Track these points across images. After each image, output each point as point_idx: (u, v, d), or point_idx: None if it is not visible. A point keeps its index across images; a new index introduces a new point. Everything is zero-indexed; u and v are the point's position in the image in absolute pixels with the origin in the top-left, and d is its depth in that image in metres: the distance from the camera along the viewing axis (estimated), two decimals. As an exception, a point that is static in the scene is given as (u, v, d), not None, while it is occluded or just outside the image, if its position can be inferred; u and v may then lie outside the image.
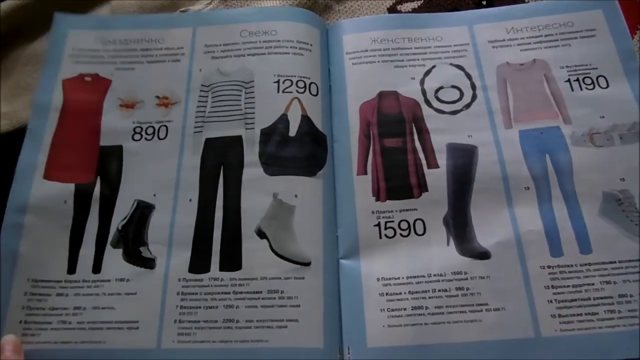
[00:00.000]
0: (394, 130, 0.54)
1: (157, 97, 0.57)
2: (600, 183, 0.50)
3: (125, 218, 0.52)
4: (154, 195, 0.53)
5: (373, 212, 0.50)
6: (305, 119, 0.54)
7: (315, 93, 0.56)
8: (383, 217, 0.50)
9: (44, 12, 0.63)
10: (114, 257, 0.50)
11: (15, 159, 0.54)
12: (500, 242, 0.48)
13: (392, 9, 0.63)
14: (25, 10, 0.64)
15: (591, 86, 0.55)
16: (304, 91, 0.56)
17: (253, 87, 0.56)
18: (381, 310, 0.46)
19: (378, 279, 0.48)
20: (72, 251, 0.51)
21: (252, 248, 0.49)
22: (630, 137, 0.52)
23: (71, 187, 0.53)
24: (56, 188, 0.53)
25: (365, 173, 0.52)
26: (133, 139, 0.55)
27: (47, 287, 0.49)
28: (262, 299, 0.47)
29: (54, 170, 0.54)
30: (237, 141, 0.54)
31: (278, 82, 0.56)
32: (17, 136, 0.56)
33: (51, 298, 0.49)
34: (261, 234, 0.50)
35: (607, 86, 0.55)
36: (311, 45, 0.58)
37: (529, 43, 0.58)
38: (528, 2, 0.61)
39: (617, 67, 0.55)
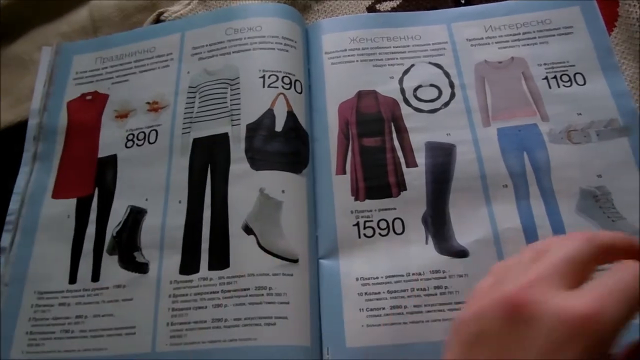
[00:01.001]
0: (373, 129, 0.51)
1: (148, 103, 0.55)
2: (577, 180, 0.47)
3: (119, 224, 0.50)
4: (146, 199, 0.51)
5: (352, 212, 0.48)
6: (291, 116, 0.51)
7: (299, 91, 0.53)
8: (362, 217, 0.48)
9: (23, 14, 0.61)
10: (110, 264, 0.49)
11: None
12: (478, 240, 0.45)
13: (371, 9, 0.59)
14: (2, 13, 0.62)
15: (568, 83, 0.51)
16: (290, 88, 0.53)
17: (239, 83, 0.53)
18: (360, 310, 0.44)
19: (357, 279, 0.45)
20: (73, 261, 0.50)
21: (240, 245, 0.47)
22: (607, 134, 0.48)
23: (73, 201, 0.53)
24: (62, 205, 0.53)
25: (344, 173, 0.50)
26: (126, 146, 0.54)
27: (50, 298, 0.49)
28: (250, 295, 0.45)
29: (61, 189, 0.54)
30: (223, 138, 0.52)
31: (263, 77, 0.53)
32: None
33: (54, 308, 0.48)
34: (248, 230, 0.47)
35: (585, 83, 0.51)
36: (295, 42, 0.55)
37: (507, 41, 0.54)
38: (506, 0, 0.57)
39: (594, 64, 0.51)
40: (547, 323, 0.28)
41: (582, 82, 0.51)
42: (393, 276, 0.45)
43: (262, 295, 0.45)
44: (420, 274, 0.45)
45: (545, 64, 0.52)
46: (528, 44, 0.53)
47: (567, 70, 0.51)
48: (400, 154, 0.50)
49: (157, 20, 0.61)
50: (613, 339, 0.27)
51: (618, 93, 0.50)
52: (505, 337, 0.29)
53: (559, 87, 0.51)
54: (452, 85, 0.52)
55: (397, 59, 0.54)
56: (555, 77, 0.51)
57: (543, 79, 0.51)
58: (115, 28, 0.62)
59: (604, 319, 0.27)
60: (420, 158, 0.49)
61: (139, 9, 0.63)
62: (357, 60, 0.54)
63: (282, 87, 0.52)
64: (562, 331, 0.27)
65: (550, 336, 0.27)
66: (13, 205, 0.53)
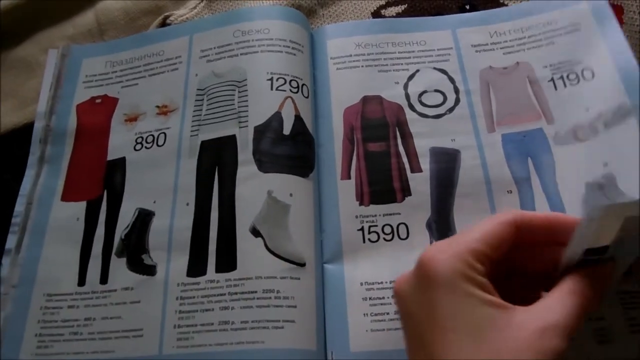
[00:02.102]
0: (378, 134, 0.48)
1: (157, 106, 0.53)
2: (583, 177, 0.43)
3: (127, 227, 0.48)
4: (154, 202, 0.49)
5: (357, 217, 0.45)
6: (299, 119, 0.49)
7: (306, 95, 0.50)
8: (367, 222, 0.45)
9: (28, 17, 0.59)
10: (119, 266, 0.47)
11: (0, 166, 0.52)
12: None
13: (376, 14, 0.56)
14: (8, 16, 0.60)
15: (575, 81, 0.47)
16: (297, 91, 0.50)
17: (246, 85, 0.51)
18: (364, 314, 0.42)
19: (361, 284, 0.43)
20: (82, 264, 0.48)
21: (247, 247, 0.45)
22: (615, 120, 0.43)
23: (83, 204, 0.50)
24: (71, 208, 0.51)
25: (349, 178, 0.47)
26: (135, 149, 0.52)
27: (59, 300, 0.47)
28: (257, 298, 0.43)
29: (70, 191, 0.51)
30: (231, 140, 0.49)
31: (271, 79, 0.50)
32: (1, 142, 0.54)
33: (63, 310, 0.46)
34: (255, 232, 0.45)
35: (593, 76, 0.47)
36: (302, 46, 0.53)
37: (512, 46, 0.51)
38: (508, 5, 0.54)
39: (603, 52, 0.47)
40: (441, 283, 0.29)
41: (590, 76, 0.47)
42: (397, 281, 0.43)
43: (270, 298, 0.43)
44: (424, 279, 0.43)
45: (551, 65, 0.49)
46: (534, 47, 0.50)
47: (574, 68, 0.48)
48: (405, 159, 0.47)
49: (163, 24, 0.59)
50: None
51: (627, 72, 0.45)
52: (416, 296, 0.30)
53: (565, 86, 0.47)
54: (456, 90, 0.49)
55: (402, 64, 0.51)
56: (561, 77, 0.48)
57: (549, 81, 0.48)
58: (121, 31, 0.60)
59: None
60: (425, 163, 0.47)
61: (144, 12, 0.60)
62: (362, 66, 0.51)
63: (290, 90, 0.50)
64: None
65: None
66: (18, 207, 0.51)
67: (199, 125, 0.51)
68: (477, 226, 0.32)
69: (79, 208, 0.50)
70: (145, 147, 0.51)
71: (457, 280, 0.28)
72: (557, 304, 0.29)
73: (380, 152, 0.48)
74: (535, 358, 0.26)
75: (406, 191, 0.46)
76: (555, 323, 0.27)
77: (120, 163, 0.51)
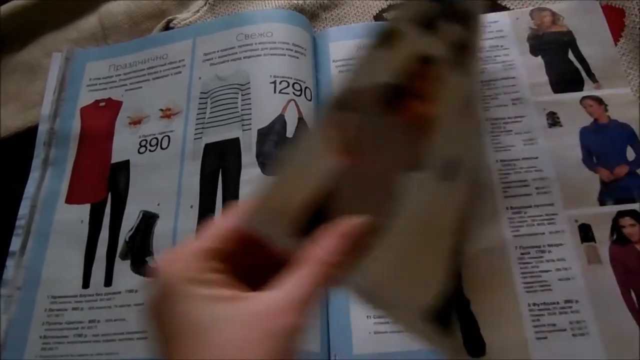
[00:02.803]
0: (380, 137, 0.48)
1: (161, 109, 0.53)
2: None
3: (131, 229, 0.48)
4: (158, 204, 0.49)
5: (359, 219, 0.46)
6: (302, 122, 0.49)
7: (309, 98, 0.50)
8: (369, 225, 0.45)
9: (32, 21, 0.59)
10: (123, 268, 0.47)
11: (2, 169, 0.51)
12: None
13: (378, 17, 0.55)
14: (12, 19, 0.60)
15: None
16: (300, 94, 0.50)
17: (249, 88, 0.51)
18: (367, 317, 0.42)
19: (365, 286, 0.43)
20: (86, 266, 0.48)
21: (250, 250, 0.45)
22: None
23: (87, 207, 0.50)
24: (75, 210, 0.50)
25: (351, 181, 0.47)
26: (139, 152, 0.52)
27: (64, 303, 0.47)
28: None
29: (75, 194, 0.51)
30: (234, 143, 0.49)
31: (274, 82, 0.50)
32: (3, 145, 0.53)
33: (67, 312, 0.46)
34: (258, 235, 0.45)
35: None
36: (305, 49, 0.52)
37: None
38: (508, 5, 0.52)
39: None
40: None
41: None
42: (400, 283, 0.43)
43: (272, 300, 0.43)
44: (427, 281, 0.43)
45: None
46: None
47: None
48: (405, 162, 0.47)
49: (166, 28, 0.59)
50: None
51: None
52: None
53: None
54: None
55: (404, 64, 0.51)
56: None
57: None
58: (125, 35, 0.60)
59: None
60: (426, 166, 0.47)
61: (148, 16, 0.60)
62: (364, 68, 0.51)
63: (293, 93, 0.50)
64: None
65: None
66: (23, 210, 0.51)
67: (203, 128, 0.51)
68: (211, 224, 0.30)
69: (83, 211, 0.50)
70: (149, 150, 0.51)
71: (182, 284, 0.27)
72: (286, 280, 0.27)
73: (382, 154, 0.48)
74: (266, 340, 0.25)
75: (408, 194, 0.46)
76: (283, 300, 0.26)
77: (124, 166, 0.51)
